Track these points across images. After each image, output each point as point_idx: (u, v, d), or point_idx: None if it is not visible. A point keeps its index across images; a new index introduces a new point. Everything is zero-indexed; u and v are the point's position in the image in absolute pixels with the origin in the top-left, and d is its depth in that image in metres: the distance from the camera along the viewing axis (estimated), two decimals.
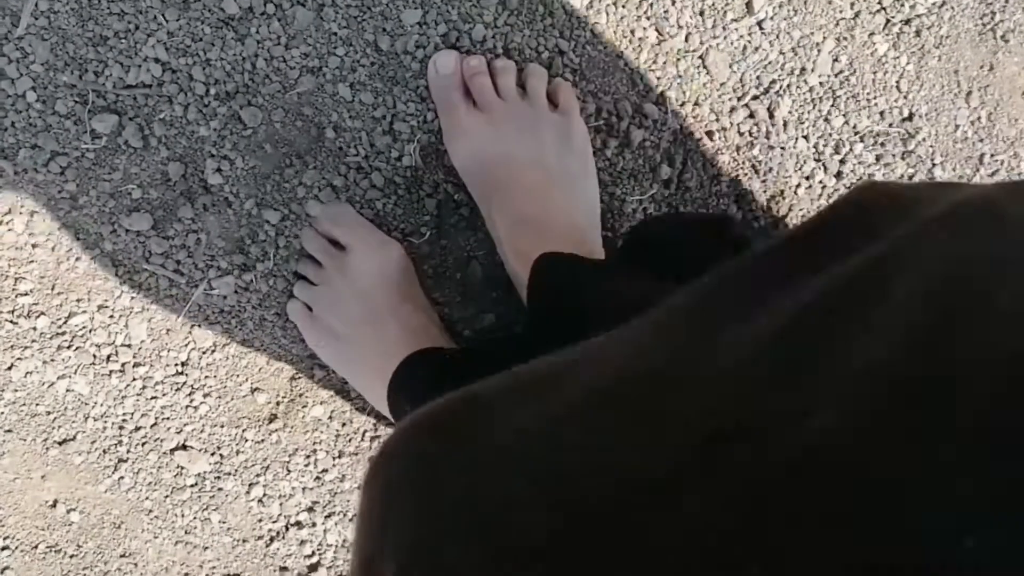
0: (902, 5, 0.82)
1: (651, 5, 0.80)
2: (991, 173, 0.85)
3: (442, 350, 0.76)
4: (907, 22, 0.82)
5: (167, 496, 0.85)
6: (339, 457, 0.86)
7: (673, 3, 0.80)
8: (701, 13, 0.81)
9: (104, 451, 0.84)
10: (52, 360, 0.81)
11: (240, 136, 0.78)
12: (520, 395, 0.42)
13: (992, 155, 0.85)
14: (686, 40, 0.81)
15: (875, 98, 0.83)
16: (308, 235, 0.81)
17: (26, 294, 0.80)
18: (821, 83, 0.83)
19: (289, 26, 0.77)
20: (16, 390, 0.82)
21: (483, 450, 0.38)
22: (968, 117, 0.84)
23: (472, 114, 0.77)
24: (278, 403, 0.84)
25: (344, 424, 0.85)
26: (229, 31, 0.76)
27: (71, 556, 0.85)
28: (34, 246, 0.79)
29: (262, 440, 0.85)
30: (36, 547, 0.85)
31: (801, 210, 0.84)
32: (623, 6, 0.80)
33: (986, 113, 0.84)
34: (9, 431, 0.82)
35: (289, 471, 0.85)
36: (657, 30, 0.81)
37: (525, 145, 0.76)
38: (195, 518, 0.85)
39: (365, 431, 0.86)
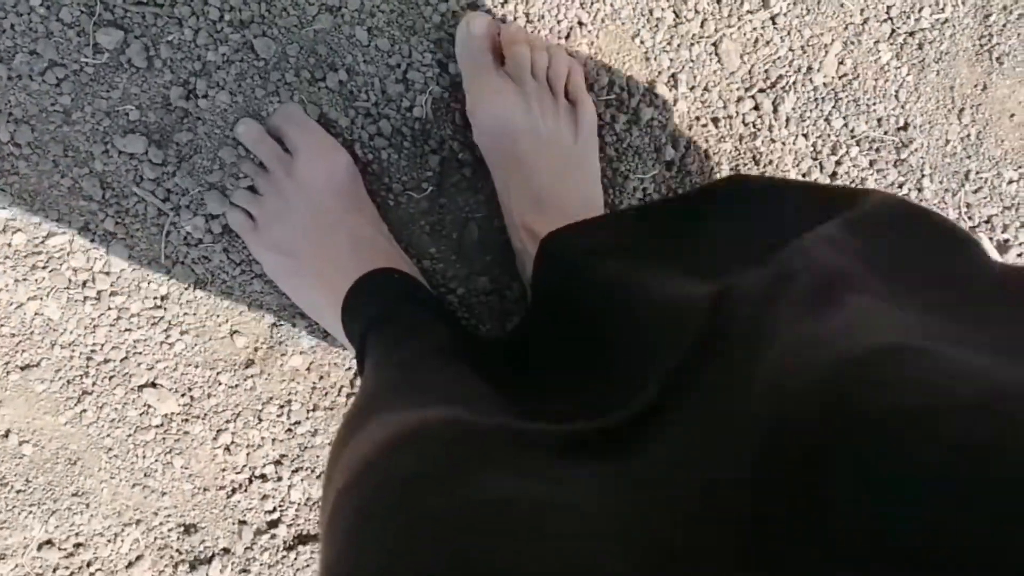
0: (908, 17, 0.83)
1: None
2: (975, 189, 0.87)
3: (393, 271, 0.72)
4: (911, 34, 0.83)
5: (130, 435, 0.80)
6: (313, 411, 0.82)
7: None
8: (719, 1, 0.81)
9: (68, 381, 0.78)
10: (24, 279, 0.76)
11: (251, 65, 0.75)
12: (514, 451, 0.41)
13: (977, 172, 0.87)
14: (702, 26, 0.81)
15: (875, 104, 0.84)
16: (255, 136, 0.74)
17: (3, 208, 0.75)
18: (825, 84, 0.83)
19: None
20: None
21: (469, 507, 0.37)
22: (959, 133, 0.86)
23: (505, 79, 0.74)
24: (256, 348, 0.80)
25: (322, 377, 0.82)
26: None
27: (18, 491, 0.79)
28: (17, 157, 0.74)
29: (236, 385, 0.80)
30: None
31: None
32: None
33: (976, 131, 0.86)
34: None
35: (260, 420, 0.81)
36: (675, 12, 0.80)
37: (547, 122, 0.74)
38: (156, 461, 0.80)
39: (342, 387, 0.82)
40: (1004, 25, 0.84)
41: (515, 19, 0.78)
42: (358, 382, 0.82)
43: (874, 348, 0.35)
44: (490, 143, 0.75)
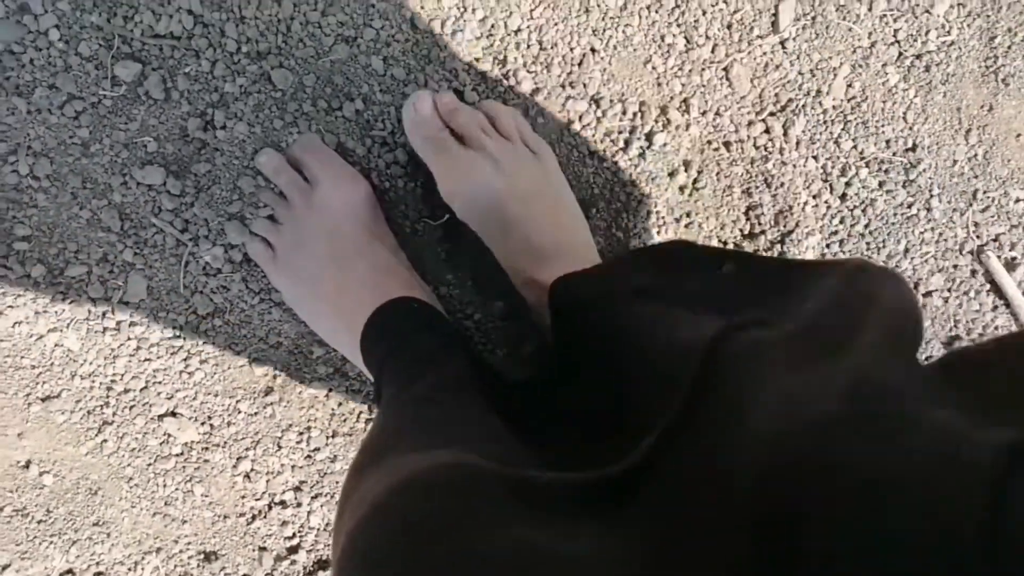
0: (915, 40, 0.84)
1: (682, 13, 0.80)
2: (983, 208, 0.87)
3: (412, 300, 0.72)
4: (918, 57, 0.84)
5: (150, 464, 0.80)
6: (332, 437, 0.82)
7: (703, 14, 0.81)
8: (729, 26, 0.81)
9: (89, 412, 0.78)
10: (44, 311, 0.76)
11: (269, 96, 0.75)
12: (521, 499, 0.42)
13: (985, 191, 0.87)
14: (712, 51, 0.81)
15: (883, 126, 0.85)
16: (275, 166, 0.74)
17: (24, 239, 0.75)
18: (834, 106, 0.84)
19: None
20: (2, 340, 0.76)
21: (474, 556, 0.38)
22: (966, 153, 0.87)
23: (467, 152, 0.73)
24: (275, 376, 0.80)
25: (340, 404, 0.82)
26: None
27: (39, 521, 0.79)
28: (36, 190, 0.74)
29: (255, 413, 0.80)
30: (1, 509, 0.79)
31: (807, 227, 0.85)
32: (656, 11, 0.80)
33: (983, 151, 0.87)
34: None
35: (280, 447, 0.81)
36: (686, 38, 0.81)
37: (523, 176, 0.73)
38: (177, 489, 0.80)
39: (360, 413, 0.82)
40: (1009, 47, 0.85)
41: (528, 47, 0.78)
42: (375, 409, 0.82)
43: (844, 407, 0.36)
44: (478, 220, 0.74)
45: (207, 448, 0.80)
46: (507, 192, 0.72)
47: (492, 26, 0.77)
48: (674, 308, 0.59)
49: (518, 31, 0.78)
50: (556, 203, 0.75)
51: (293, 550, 0.83)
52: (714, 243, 0.84)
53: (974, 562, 0.28)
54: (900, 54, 0.84)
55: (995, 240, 0.88)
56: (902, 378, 0.40)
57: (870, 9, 0.83)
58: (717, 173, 0.83)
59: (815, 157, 0.84)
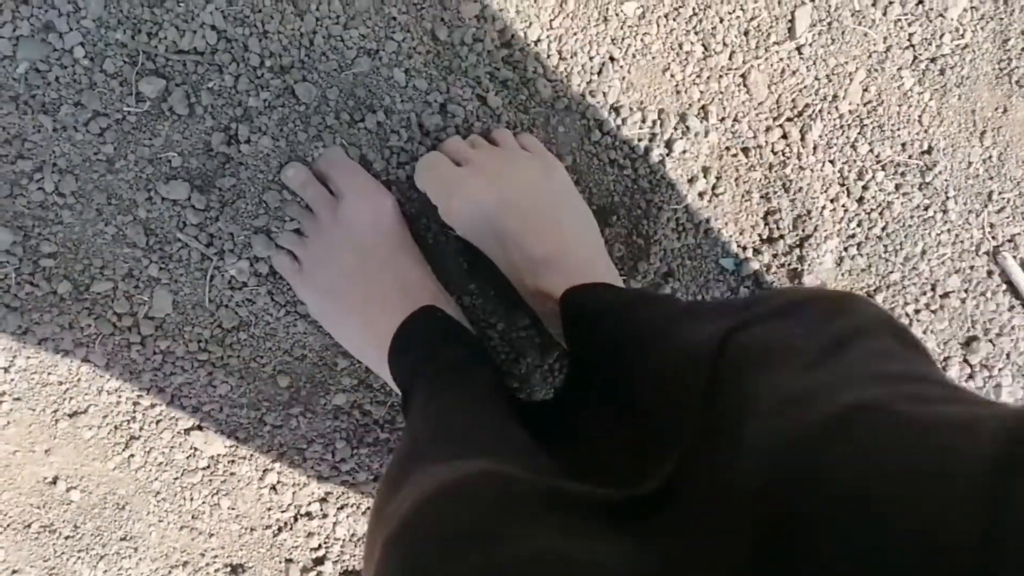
0: (929, 44, 0.85)
1: (700, 21, 0.81)
2: (998, 209, 0.88)
3: (436, 309, 0.73)
4: (933, 60, 0.85)
5: (177, 478, 0.80)
6: (357, 447, 0.82)
7: (720, 21, 0.81)
8: (746, 33, 0.82)
9: (116, 427, 0.78)
10: (70, 327, 0.76)
11: (292, 110, 0.75)
12: (552, 507, 0.43)
13: (1000, 193, 0.88)
14: (730, 58, 0.82)
15: (899, 130, 0.86)
16: (303, 180, 0.75)
17: (50, 256, 0.75)
18: (850, 111, 0.84)
19: (350, 6, 0.75)
20: (29, 357, 0.76)
21: (509, 564, 0.38)
22: (981, 155, 0.87)
23: (455, 169, 0.74)
24: (300, 388, 0.80)
25: (364, 414, 0.82)
26: (289, 5, 0.74)
27: (67, 537, 0.79)
28: (62, 207, 0.74)
29: (280, 425, 0.80)
30: (29, 526, 0.79)
31: (825, 231, 0.85)
32: (673, 19, 0.80)
33: (997, 153, 0.87)
34: (18, 399, 0.76)
35: (305, 459, 0.81)
36: (704, 45, 0.81)
37: (519, 187, 0.74)
38: (204, 502, 0.80)
39: (385, 423, 0.82)
40: (1023, 49, 0.86)
41: (548, 57, 0.79)
42: (400, 419, 0.82)
43: (838, 412, 0.37)
44: (474, 234, 0.75)
45: (233, 461, 0.80)
46: (498, 204, 0.72)
47: (512, 37, 0.78)
48: (682, 313, 0.60)
49: (538, 41, 0.78)
50: (554, 210, 0.75)
51: (319, 561, 0.83)
52: (734, 248, 0.85)
53: (969, 570, 0.29)
54: (915, 58, 0.85)
55: (1011, 241, 0.89)
56: (893, 385, 0.40)
57: (885, 14, 0.83)
58: (736, 179, 0.84)
59: (832, 161, 0.85)
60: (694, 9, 0.80)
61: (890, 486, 0.32)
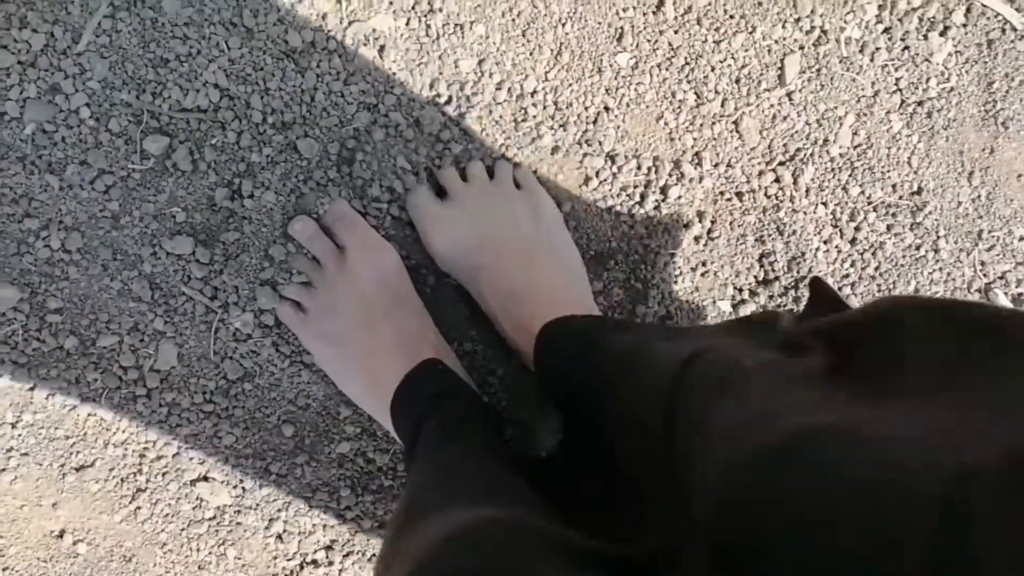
0: (916, 88, 0.86)
1: (692, 70, 0.83)
2: (988, 247, 0.89)
3: (437, 362, 0.74)
4: (920, 103, 0.87)
5: (184, 529, 0.80)
6: (362, 495, 0.83)
7: (712, 70, 0.83)
8: (737, 81, 0.83)
9: (122, 479, 0.79)
10: (77, 381, 0.77)
11: (295, 165, 0.77)
12: (559, 555, 0.44)
13: (990, 231, 0.89)
14: (722, 105, 0.84)
15: (889, 171, 0.87)
16: (310, 233, 0.76)
17: (56, 312, 0.76)
18: (841, 154, 0.86)
19: (349, 63, 0.77)
20: (36, 412, 0.77)
21: None
22: (970, 195, 0.89)
23: (441, 204, 0.77)
24: (304, 437, 0.81)
25: (369, 462, 0.83)
26: (290, 63, 0.76)
27: None
28: (68, 263, 0.75)
29: (286, 474, 0.81)
30: None
31: (819, 272, 0.86)
32: (666, 69, 0.82)
33: (986, 192, 0.89)
34: (25, 455, 0.77)
35: (311, 507, 0.82)
36: (696, 93, 0.83)
37: (500, 223, 0.76)
38: (210, 553, 0.81)
39: (389, 470, 0.83)
40: (1007, 91, 0.88)
41: (544, 108, 0.80)
42: (403, 467, 0.83)
43: (781, 438, 0.37)
44: (454, 268, 0.78)
45: (239, 511, 0.81)
46: (477, 240, 0.75)
47: (509, 89, 0.79)
48: (650, 339, 0.61)
49: (534, 92, 0.80)
50: (530, 245, 0.77)
51: None
52: (730, 290, 0.86)
53: None
54: (903, 101, 0.86)
55: (1001, 278, 0.90)
56: (842, 407, 0.41)
57: (872, 60, 0.85)
58: (731, 223, 0.85)
59: (824, 203, 0.86)
60: (686, 59, 0.82)
61: (841, 506, 0.33)
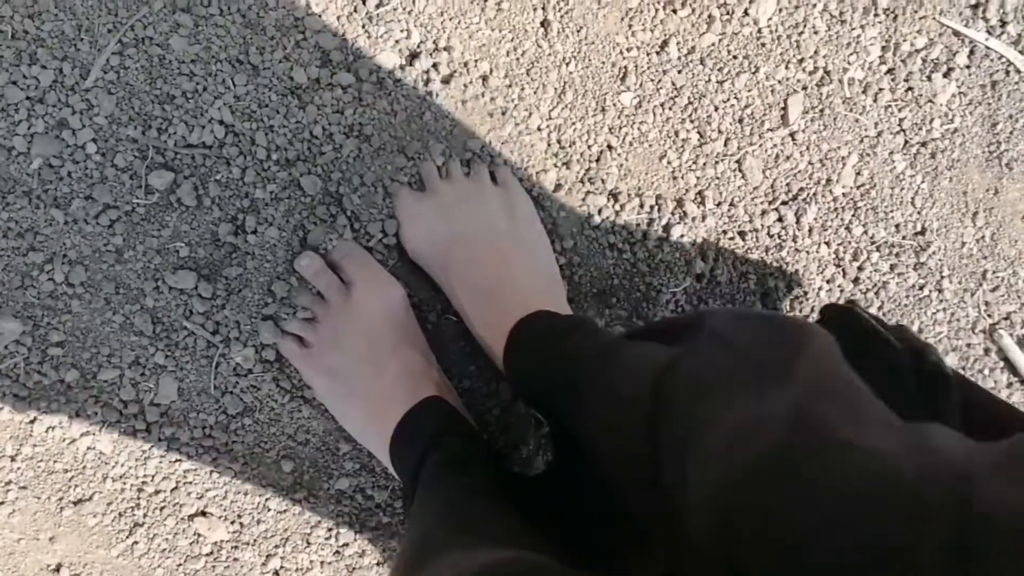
0: (920, 128, 0.86)
1: (695, 110, 0.83)
2: (992, 288, 0.89)
3: (439, 400, 0.73)
4: (924, 144, 0.86)
5: (180, 564, 0.79)
6: (360, 532, 0.82)
7: (715, 109, 0.83)
8: (740, 120, 0.83)
9: (120, 514, 0.78)
10: (77, 415, 0.76)
11: (298, 201, 0.77)
12: None
13: (994, 271, 0.89)
14: (725, 144, 0.83)
15: (892, 211, 0.87)
16: (316, 268, 0.76)
17: (57, 345, 0.76)
18: (844, 194, 0.86)
19: (351, 99, 0.77)
20: (36, 445, 0.76)
21: None
22: (974, 235, 0.88)
23: (418, 198, 0.77)
24: (303, 473, 0.81)
25: (368, 498, 0.82)
26: (294, 100, 0.76)
27: None
28: (71, 297, 0.75)
29: (284, 510, 0.80)
30: None
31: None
32: (669, 108, 0.82)
33: (990, 233, 0.89)
34: (24, 488, 0.76)
35: (309, 543, 0.81)
36: (699, 133, 0.83)
37: (473, 219, 0.76)
38: None
39: (388, 507, 0.82)
40: (1011, 132, 0.87)
41: (548, 146, 0.80)
42: (399, 504, 0.82)
43: (753, 463, 0.37)
44: (425, 261, 0.78)
45: (236, 547, 0.80)
46: (449, 235, 0.75)
47: (513, 128, 0.80)
48: (623, 341, 0.61)
49: (538, 130, 0.80)
50: (510, 243, 0.76)
51: None
52: None
53: None
54: (906, 142, 0.86)
55: (1006, 319, 0.90)
56: (837, 409, 0.40)
57: (875, 100, 0.85)
58: (733, 261, 0.85)
59: (827, 243, 0.86)
60: (689, 98, 0.82)
61: (840, 512, 0.32)
